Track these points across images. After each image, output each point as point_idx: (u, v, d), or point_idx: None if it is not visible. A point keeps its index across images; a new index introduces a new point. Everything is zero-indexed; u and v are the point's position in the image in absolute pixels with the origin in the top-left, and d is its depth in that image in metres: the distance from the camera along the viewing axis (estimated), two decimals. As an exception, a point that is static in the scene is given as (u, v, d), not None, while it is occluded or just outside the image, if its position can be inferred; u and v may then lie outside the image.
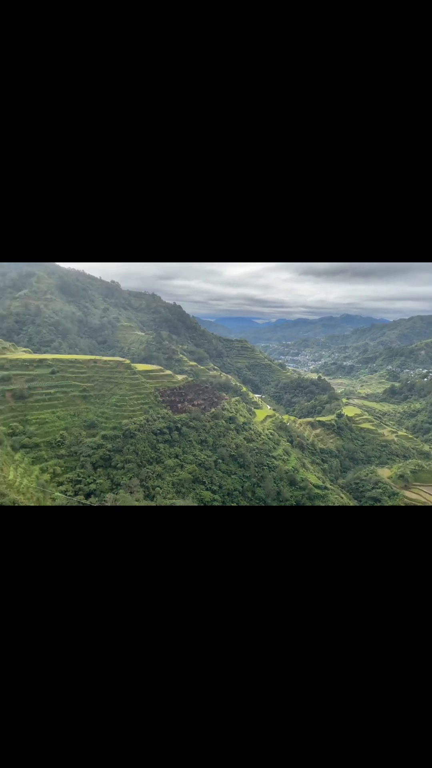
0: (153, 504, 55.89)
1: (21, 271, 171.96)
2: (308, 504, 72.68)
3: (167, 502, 57.29)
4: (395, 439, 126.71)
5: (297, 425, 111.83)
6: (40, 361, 78.74)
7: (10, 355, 78.47)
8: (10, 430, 60.72)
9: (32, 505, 46.57)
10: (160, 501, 58.25)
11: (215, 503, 63.90)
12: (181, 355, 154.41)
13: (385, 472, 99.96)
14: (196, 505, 56.57)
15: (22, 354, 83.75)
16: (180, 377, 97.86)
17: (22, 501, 46.42)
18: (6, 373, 70.82)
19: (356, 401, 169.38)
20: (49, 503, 50.66)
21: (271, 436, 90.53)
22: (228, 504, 65.55)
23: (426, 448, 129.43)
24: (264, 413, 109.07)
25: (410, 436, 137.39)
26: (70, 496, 54.98)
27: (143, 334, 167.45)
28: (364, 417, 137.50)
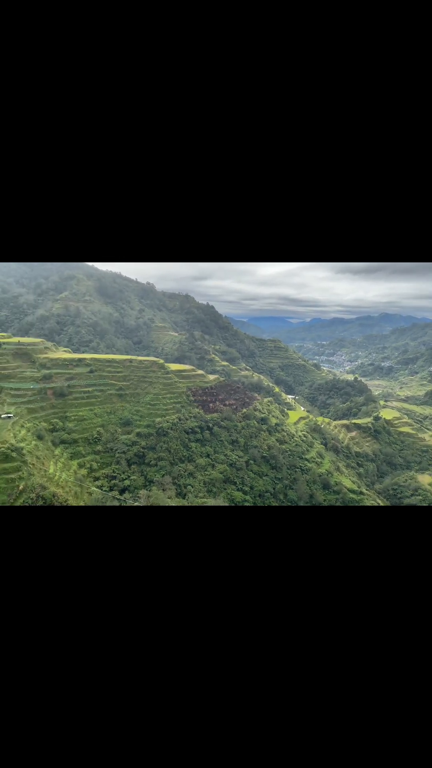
0: (185, 503, 56.62)
1: (62, 274, 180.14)
2: (342, 509, 70.57)
3: (199, 501, 57.81)
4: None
5: (331, 427, 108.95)
6: (80, 360, 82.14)
7: (51, 355, 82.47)
8: (51, 426, 63.84)
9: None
10: (191, 499, 58.90)
11: (246, 504, 63.69)
12: (213, 355, 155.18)
13: (425, 479, 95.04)
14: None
15: (62, 353, 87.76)
16: (212, 377, 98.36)
17: (61, 494, 48.64)
18: (48, 371, 74.52)
19: (395, 404, 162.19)
20: (86, 497, 52.73)
21: (304, 438, 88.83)
22: (259, 505, 65.09)
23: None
24: (297, 414, 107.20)
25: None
26: (105, 491, 56.88)
27: (176, 334, 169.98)
28: (404, 420, 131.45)
